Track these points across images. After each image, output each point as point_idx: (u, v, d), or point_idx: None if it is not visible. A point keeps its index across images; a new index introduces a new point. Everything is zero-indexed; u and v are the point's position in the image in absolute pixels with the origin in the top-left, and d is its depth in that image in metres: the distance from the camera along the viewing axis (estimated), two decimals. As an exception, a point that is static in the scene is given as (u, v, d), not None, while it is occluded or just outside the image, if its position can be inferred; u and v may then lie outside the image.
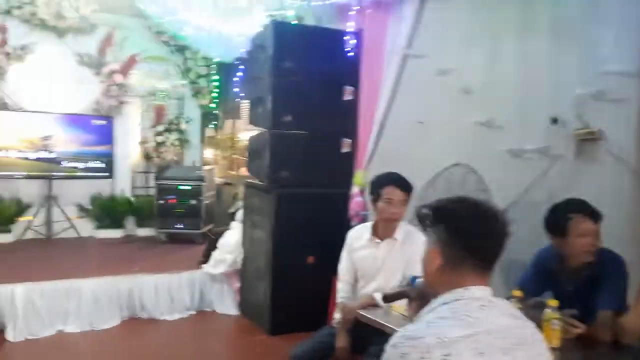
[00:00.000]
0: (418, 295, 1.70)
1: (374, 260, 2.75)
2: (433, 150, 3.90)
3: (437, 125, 3.95)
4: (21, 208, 5.86)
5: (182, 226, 5.98)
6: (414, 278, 1.70)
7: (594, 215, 2.26)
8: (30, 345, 3.84)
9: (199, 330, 4.40)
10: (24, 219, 5.86)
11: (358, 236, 2.84)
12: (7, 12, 5.79)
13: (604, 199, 2.48)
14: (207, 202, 6.11)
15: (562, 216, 2.28)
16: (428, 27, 4.06)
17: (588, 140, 3.05)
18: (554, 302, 2.14)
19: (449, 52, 3.87)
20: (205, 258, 4.90)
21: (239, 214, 4.94)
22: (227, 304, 4.74)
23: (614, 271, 2.26)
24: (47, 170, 5.80)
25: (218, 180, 7.06)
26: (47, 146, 5.80)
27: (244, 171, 8.03)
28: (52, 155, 5.83)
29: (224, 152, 7.95)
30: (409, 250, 2.70)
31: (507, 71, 3.52)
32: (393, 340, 1.27)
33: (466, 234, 1.33)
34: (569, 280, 2.34)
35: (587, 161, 3.05)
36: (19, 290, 4.01)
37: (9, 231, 5.73)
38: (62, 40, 6.12)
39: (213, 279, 4.77)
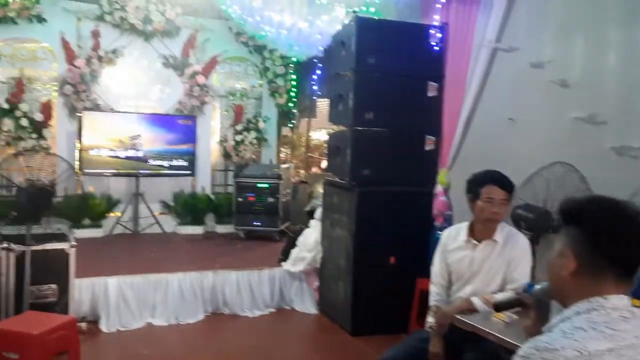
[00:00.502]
0: (536, 304, 1.57)
1: (471, 263, 2.62)
2: (526, 149, 3.70)
3: (530, 121, 3.75)
4: (111, 204, 6.15)
5: (259, 223, 6.06)
6: (531, 285, 1.57)
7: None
8: (122, 336, 4.00)
9: (280, 327, 4.41)
10: (113, 215, 6.15)
11: (453, 237, 2.71)
12: (100, 18, 6.10)
13: None
14: (284, 200, 6.16)
15: None
16: (520, 19, 3.87)
17: None
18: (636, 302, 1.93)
19: (544, 44, 3.67)
20: (285, 256, 4.92)
21: (318, 212, 4.92)
22: (306, 302, 4.73)
23: None
24: (135, 168, 6.06)
25: (294, 178, 7.10)
26: (135, 145, 6.05)
27: (319, 170, 8.06)
28: (140, 154, 6.08)
29: (300, 151, 8.00)
30: (510, 253, 2.55)
31: (610, 62, 3.28)
32: (523, 351, 1.17)
33: (607, 238, 1.19)
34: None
35: None
36: (112, 282, 4.19)
37: (99, 226, 6.04)
38: (148, 43, 6.37)
39: (292, 277, 4.78)
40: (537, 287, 1.55)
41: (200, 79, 6.51)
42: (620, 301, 1.19)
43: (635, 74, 3.11)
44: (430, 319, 2.66)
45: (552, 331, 1.20)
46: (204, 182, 6.69)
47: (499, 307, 1.74)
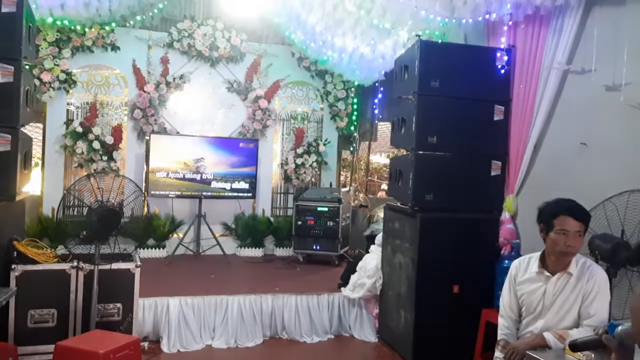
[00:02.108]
0: (619, 347, 1.44)
1: (543, 296, 2.47)
2: (599, 176, 3.47)
3: (604, 146, 3.53)
4: (174, 225, 6.32)
5: (318, 247, 6.04)
6: (613, 326, 1.45)
7: None
8: (182, 357, 4.04)
9: (338, 355, 4.34)
10: (176, 236, 6.31)
11: (524, 268, 2.57)
12: (169, 45, 6.38)
13: None
14: (343, 224, 6.11)
15: None
16: (593, 39, 3.68)
17: None
18: None
19: (619, 65, 3.46)
20: (344, 281, 4.86)
21: (379, 237, 4.84)
22: (365, 330, 4.64)
23: None
24: (198, 190, 6.21)
25: (353, 202, 7.06)
26: (199, 167, 6.21)
27: (380, 194, 7.98)
28: (203, 176, 6.23)
29: (359, 174, 7.96)
30: (586, 286, 2.40)
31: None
32: None
33: None
34: None
35: None
36: (173, 303, 4.26)
37: (163, 247, 6.21)
38: (214, 69, 6.58)
39: (352, 303, 4.70)
40: (620, 327, 1.43)
41: (263, 103, 6.63)
42: None
43: None
44: (498, 354, 2.52)
45: None
46: (264, 205, 6.76)
47: (576, 347, 1.61)
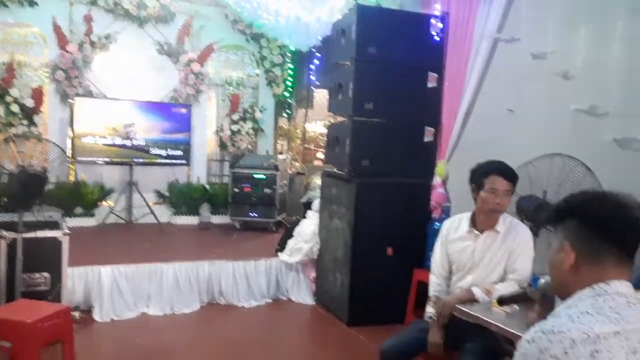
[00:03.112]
0: (542, 298, 1.55)
1: (472, 253, 2.59)
2: (525, 141, 3.66)
3: (530, 113, 3.72)
4: (104, 193, 6.07)
5: (255, 214, 6.02)
6: (536, 279, 1.55)
7: None
8: (115, 326, 3.95)
9: (276, 318, 4.38)
10: (106, 204, 6.07)
11: (455, 227, 2.68)
12: (93, 3, 5.99)
13: None
14: (280, 191, 6.11)
15: None
16: (522, 9, 3.82)
17: None
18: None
19: (546, 35, 3.63)
20: (281, 246, 4.88)
21: (316, 203, 4.88)
22: (302, 293, 4.70)
23: None
24: (129, 156, 5.98)
25: (290, 170, 7.05)
26: (129, 133, 5.97)
27: (317, 162, 8.01)
28: (134, 142, 6.00)
29: (296, 143, 7.95)
30: (512, 244, 2.53)
31: (613, 53, 3.24)
32: (529, 335, 1.17)
33: (604, 223, 1.22)
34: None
35: None
36: (105, 272, 4.12)
37: (92, 215, 5.96)
38: (142, 29, 6.27)
39: (289, 268, 4.74)
40: (542, 281, 1.53)
41: (196, 66, 6.42)
42: (624, 287, 1.21)
43: (634, 64, 3.08)
44: (429, 309, 2.64)
45: (558, 317, 1.20)
46: (199, 172, 6.62)
47: (502, 300, 1.71)
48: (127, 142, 5.97)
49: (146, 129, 6.04)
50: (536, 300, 1.53)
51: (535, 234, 2.90)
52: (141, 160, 6.04)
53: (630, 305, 1.17)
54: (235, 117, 6.70)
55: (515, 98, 3.83)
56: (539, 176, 3.33)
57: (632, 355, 1.09)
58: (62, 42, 5.91)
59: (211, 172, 6.86)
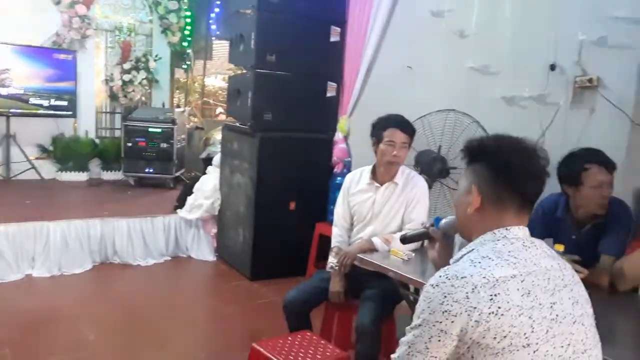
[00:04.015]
0: (442, 237, 1.62)
1: (373, 205, 2.66)
2: (423, 97, 3.77)
3: (429, 70, 3.82)
4: (-24, 147, 5.47)
5: (152, 170, 5.74)
6: (438, 219, 1.62)
7: (610, 165, 2.21)
8: (-3, 289, 3.64)
9: (176, 275, 4.28)
10: (-21, 159, 5.49)
11: (356, 180, 2.73)
12: None
13: (599, 148, 2.43)
14: (178, 146, 5.87)
15: (577, 166, 2.22)
16: (423, -34, 3.87)
17: (587, 88, 3.00)
18: (559, 247, 2.12)
19: (443, -8, 3.71)
20: (180, 203, 4.73)
21: (216, 158, 4.76)
22: (203, 250, 4.62)
23: (620, 219, 2.25)
24: (5, 106, 5.39)
25: (189, 124, 6.79)
26: (4, 80, 5.36)
27: (216, 116, 7.78)
28: (10, 91, 5.41)
29: (194, 96, 7.63)
30: (409, 194, 2.63)
31: (504, 14, 3.39)
32: (434, 280, 1.21)
33: (510, 171, 1.26)
34: (575, 229, 2.32)
35: (584, 109, 3.01)
36: (-19, 232, 3.76)
37: (-38, 171, 5.37)
38: (17, -36, 5.57)
39: (189, 225, 4.62)
40: (444, 221, 1.60)
41: (81, 9, 5.85)
42: (521, 232, 1.26)
43: (527, 27, 3.26)
44: (332, 260, 2.70)
45: (460, 261, 1.25)
46: (87, 125, 6.15)
47: (406, 239, 1.77)
48: (3, 91, 5.37)
49: (24, 77, 5.46)
50: (437, 239, 1.60)
51: (429, 186, 3.04)
52: (19, 111, 5.48)
53: (526, 248, 1.23)
54: (127, 66, 6.25)
55: (415, 55, 3.91)
56: (434, 132, 3.49)
57: (527, 296, 1.14)
58: None
59: (101, 126, 6.41)
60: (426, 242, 1.68)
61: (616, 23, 2.82)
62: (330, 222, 2.94)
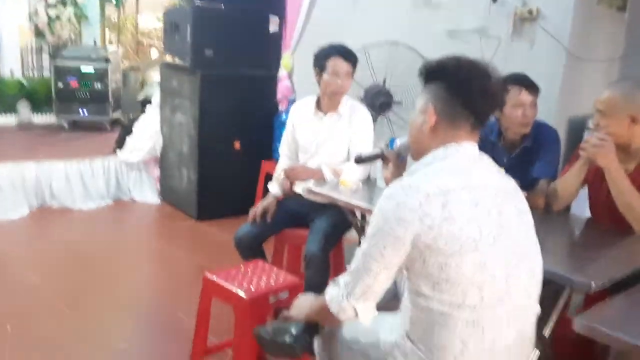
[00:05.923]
0: (396, 158, 1.66)
1: (317, 135, 2.65)
2: (367, 31, 3.73)
3: (372, 4, 3.78)
4: None
5: (86, 112, 5.47)
6: (393, 140, 1.65)
7: (531, 87, 2.30)
8: None
9: (120, 219, 4.18)
10: None
11: (301, 110, 2.71)
12: None
13: (539, 79, 2.51)
14: (114, 86, 5.59)
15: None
16: None
17: (527, 19, 3.07)
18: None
19: None
20: (119, 145, 4.56)
21: (156, 97, 4.58)
22: (146, 192, 4.51)
23: (549, 142, 2.37)
24: None
25: (123, 64, 6.45)
26: None
27: (151, 56, 7.43)
28: None
29: (127, 35, 7.23)
30: (354, 126, 2.62)
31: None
32: (387, 191, 1.25)
33: (465, 90, 1.28)
34: (506, 152, 2.42)
35: (525, 42, 3.09)
36: None
37: None
38: None
39: (130, 167, 4.48)
40: (398, 142, 1.63)
41: None
42: (472, 148, 1.32)
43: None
44: (272, 188, 2.71)
45: (414, 173, 1.29)
46: (12, 65, 5.74)
47: (361, 159, 1.80)
48: None
49: None
50: (391, 159, 1.64)
51: (374, 119, 3.06)
52: None
53: (476, 163, 1.30)
54: (52, 0, 5.80)
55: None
56: (378, 66, 3.48)
57: (474, 207, 1.20)
58: None
59: (27, 65, 5.99)
60: (379, 163, 1.72)
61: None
62: (277, 160, 2.93)
